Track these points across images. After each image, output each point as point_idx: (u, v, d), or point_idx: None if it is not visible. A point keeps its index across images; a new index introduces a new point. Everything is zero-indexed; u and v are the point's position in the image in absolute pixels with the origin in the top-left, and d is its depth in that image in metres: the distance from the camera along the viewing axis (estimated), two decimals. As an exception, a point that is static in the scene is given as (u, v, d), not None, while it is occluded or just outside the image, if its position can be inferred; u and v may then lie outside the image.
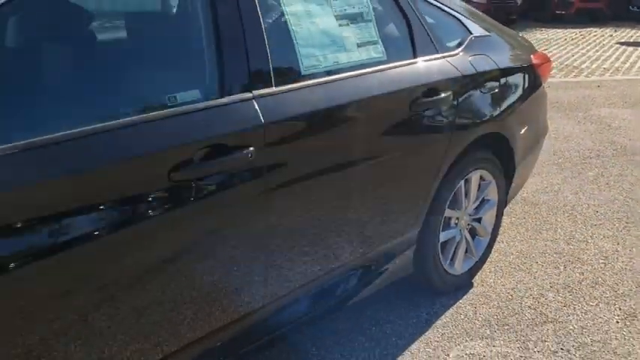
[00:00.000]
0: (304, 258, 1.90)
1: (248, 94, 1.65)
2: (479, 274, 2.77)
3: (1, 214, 1.18)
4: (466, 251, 2.66)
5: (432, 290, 2.58)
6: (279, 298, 1.88)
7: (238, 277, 1.70)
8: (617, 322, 2.47)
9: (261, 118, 1.64)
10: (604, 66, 8.75)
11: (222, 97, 1.61)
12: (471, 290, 2.67)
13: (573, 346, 2.31)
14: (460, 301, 2.58)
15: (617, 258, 3.00)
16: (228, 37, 1.63)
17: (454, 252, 2.59)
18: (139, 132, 1.40)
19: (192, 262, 1.56)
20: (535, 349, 2.28)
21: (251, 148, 1.60)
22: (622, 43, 11.18)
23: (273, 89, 1.71)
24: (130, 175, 1.39)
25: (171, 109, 1.49)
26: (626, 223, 3.40)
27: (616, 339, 2.36)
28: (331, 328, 2.36)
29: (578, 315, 2.52)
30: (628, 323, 2.47)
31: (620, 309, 2.57)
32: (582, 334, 2.39)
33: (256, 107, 1.65)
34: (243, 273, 1.71)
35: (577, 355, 2.25)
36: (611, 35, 12.34)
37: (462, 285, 2.66)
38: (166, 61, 1.64)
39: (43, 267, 1.25)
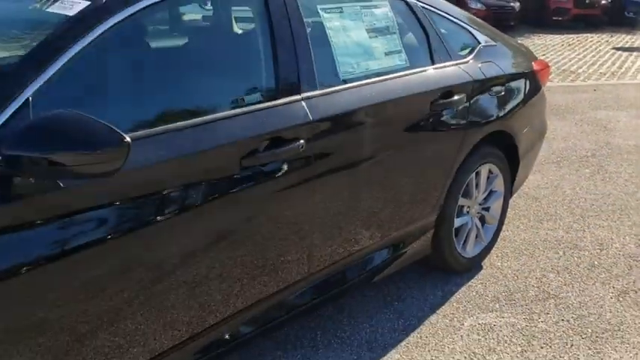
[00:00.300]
0: (341, 235, 2.22)
1: (298, 96, 1.98)
2: (487, 257, 3.09)
3: (133, 186, 1.52)
4: (476, 236, 2.98)
5: (447, 270, 2.90)
6: (322, 270, 2.20)
7: (289, 246, 2.02)
8: (611, 298, 2.79)
9: (310, 116, 1.96)
10: (600, 70, 9.10)
11: (278, 98, 1.93)
12: (481, 271, 2.99)
13: (572, 317, 2.63)
14: (472, 280, 2.90)
15: (611, 245, 3.32)
16: (282, 51, 1.96)
17: (466, 236, 2.91)
18: (220, 126, 1.73)
19: (255, 228, 1.88)
20: (539, 320, 2.60)
21: (301, 141, 1.92)
22: (617, 49, 11.56)
23: (318, 92, 2.04)
24: (213, 159, 1.71)
25: (241, 109, 1.82)
26: (620, 214, 3.73)
27: (610, 312, 2.68)
28: (360, 303, 2.68)
29: (576, 292, 2.83)
30: (621, 299, 2.78)
31: (614, 287, 2.88)
32: (580, 307, 2.71)
33: (305, 107, 1.97)
34: (292, 242, 2.03)
35: (576, 325, 2.57)
36: (607, 41, 12.72)
37: (473, 266, 2.98)
38: (238, 71, 1.98)
39: (167, 222, 1.61)
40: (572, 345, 2.44)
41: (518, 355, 2.37)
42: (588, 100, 6.98)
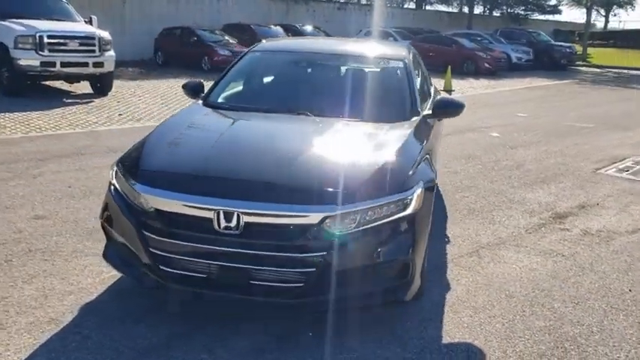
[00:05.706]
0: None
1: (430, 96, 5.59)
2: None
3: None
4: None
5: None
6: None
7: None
8: (495, 197, 6.65)
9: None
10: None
11: (427, 99, 5.44)
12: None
13: (461, 196, 6.42)
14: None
15: (490, 183, 7.26)
16: (423, 80, 5.54)
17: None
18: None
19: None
20: (485, 200, 6.34)
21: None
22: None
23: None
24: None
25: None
26: (484, 175, 7.75)
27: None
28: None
29: (480, 189, 6.64)
30: (497, 197, 6.65)
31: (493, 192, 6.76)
32: (486, 189, 6.51)
33: (429, 100, 5.53)
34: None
35: (488, 197, 6.36)
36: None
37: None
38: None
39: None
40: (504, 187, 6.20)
41: (488, 211, 6.05)
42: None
